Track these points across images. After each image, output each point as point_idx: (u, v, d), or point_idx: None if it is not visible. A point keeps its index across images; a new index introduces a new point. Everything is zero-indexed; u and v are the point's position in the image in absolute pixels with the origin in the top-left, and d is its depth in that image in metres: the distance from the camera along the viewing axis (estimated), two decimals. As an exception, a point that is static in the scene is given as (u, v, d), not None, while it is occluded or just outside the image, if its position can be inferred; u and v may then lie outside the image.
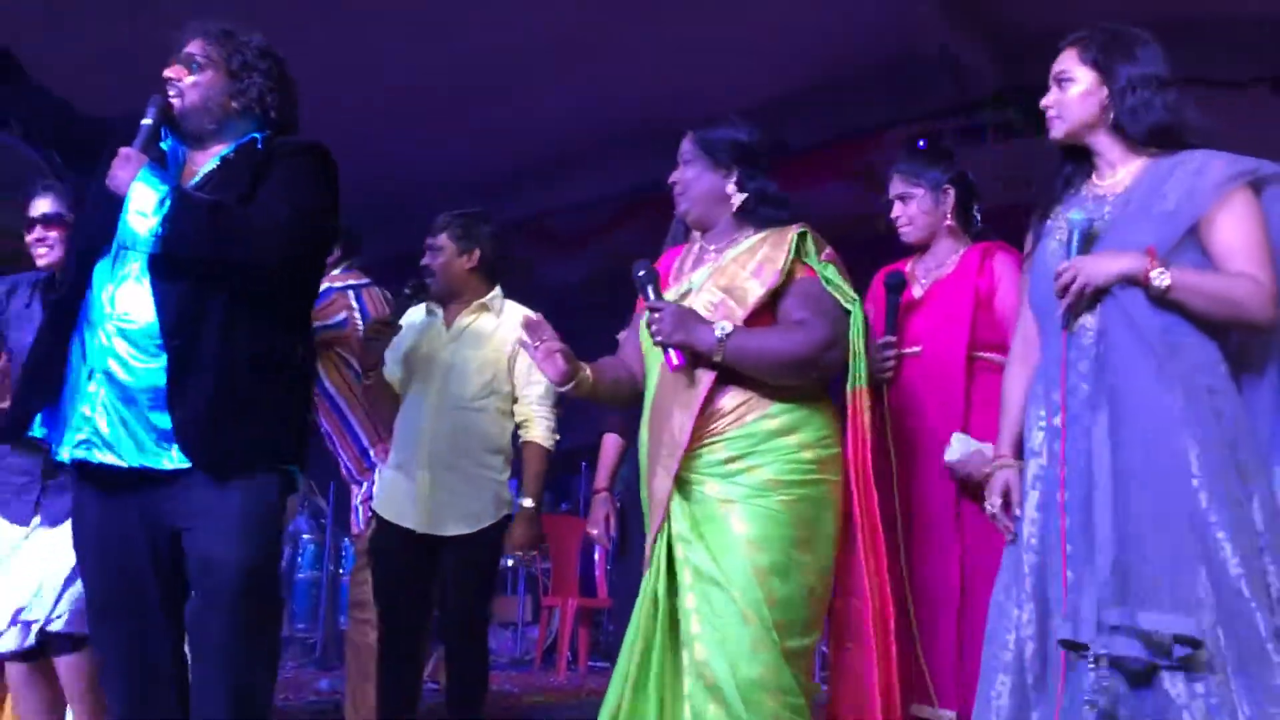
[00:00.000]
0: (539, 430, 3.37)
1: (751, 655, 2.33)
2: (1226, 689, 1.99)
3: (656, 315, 2.41)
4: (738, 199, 2.55)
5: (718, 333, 2.39)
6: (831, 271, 2.50)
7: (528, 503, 3.32)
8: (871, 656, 2.42)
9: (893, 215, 2.97)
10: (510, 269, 3.52)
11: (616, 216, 7.28)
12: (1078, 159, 2.38)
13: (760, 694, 2.32)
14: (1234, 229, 2.16)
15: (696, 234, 2.65)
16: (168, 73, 2.42)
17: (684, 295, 2.54)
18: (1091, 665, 2.07)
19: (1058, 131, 2.34)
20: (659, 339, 2.40)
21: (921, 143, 5.99)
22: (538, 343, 2.50)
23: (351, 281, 3.66)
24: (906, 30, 5.59)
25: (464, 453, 3.29)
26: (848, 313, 2.48)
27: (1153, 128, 2.24)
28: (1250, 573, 2.04)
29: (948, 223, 2.94)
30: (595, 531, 3.33)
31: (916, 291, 2.94)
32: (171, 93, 2.41)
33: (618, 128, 6.62)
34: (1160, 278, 2.13)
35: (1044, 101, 2.34)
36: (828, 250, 2.53)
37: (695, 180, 2.58)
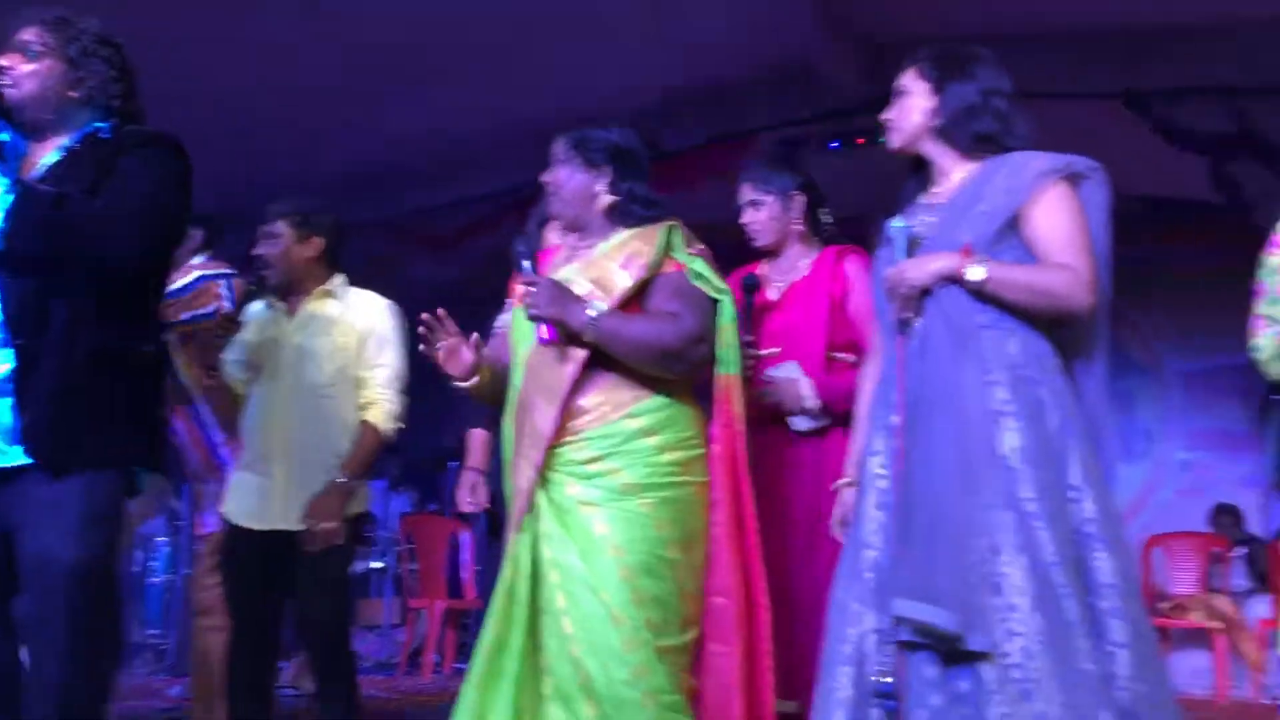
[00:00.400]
0: (377, 412, 3.20)
1: (622, 656, 2.33)
2: (1038, 673, 2.04)
3: (532, 289, 2.41)
4: (609, 199, 2.55)
5: (591, 312, 2.39)
6: (700, 264, 2.52)
7: (340, 479, 3.10)
8: (736, 656, 2.43)
9: (743, 221, 3.04)
10: (350, 258, 3.41)
11: (491, 216, 7.24)
12: (921, 169, 2.45)
13: (632, 694, 2.32)
14: (1051, 221, 2.23)
15: (570, 234, 2.66)
16: (1, 61, 2.32)
17: None
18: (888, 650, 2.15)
19: (894, 142, 2.42)
20: (533, 312, 2.40)
21: (785, 147, 6.11)
22: (442, 340, 2.47)
23: (225, 270, 3.56)
24: (779, 38, 5.67)
25: (318, 442, 3.17)
26: (716, 303, 2.50)
27: (976, 135, 2.32)
28: (1064, 560, 2.10)
29: (797, 228, 3.03)
30: (462, 494, 3.31)
31: (772, 294, 3.01)
32: (6, 82, 2.31)
33: (494, 129, 6.59)
34: (974, 272, 2.19)
35: (884, 114, 2.43)
36: (698, 245, 2.55)
37: (568, 180, 2.57)
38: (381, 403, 3.20)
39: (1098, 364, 2.31)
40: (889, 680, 2.10)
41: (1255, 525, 6.80)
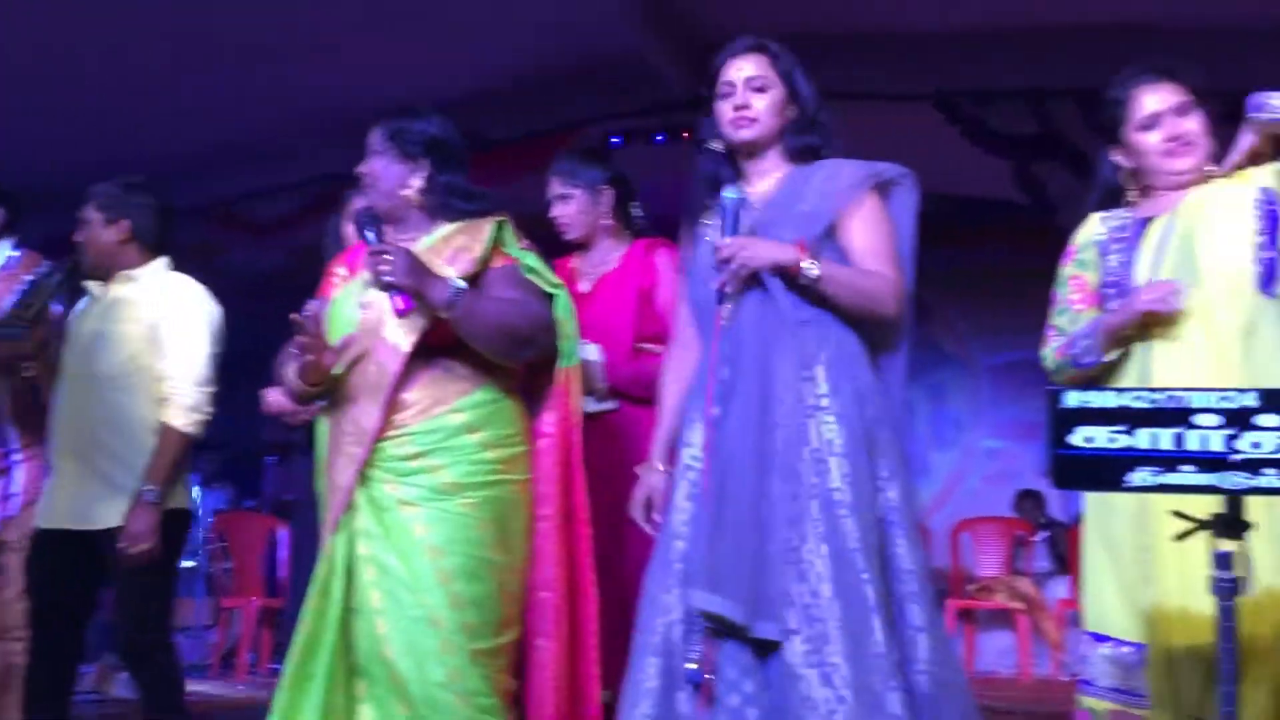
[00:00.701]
0: (173, 410, 3.00)
1: (438, 658, 2.30)
2: (836, 657, 2.12)
3: (386, 257, 2.33)
4: (425, 191, 2.50)
5: (455, 285, 2.34)
6: (533, 259, 2.51)
7: (147, 490, 2.93)
8: (561, 651, 2.43)
9: (552, 214, 3.07)
10: (173, 242, 3.26)
11: (309, 205, 7.03)
12: (728, 162, 2.45)
13: (447, 696, 2.30)
14: (866, 231, 2.34)
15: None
16: None
17: (372, 284, 2.45)
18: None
19: (751, 134, 2.39)
20: (389, 279, 2.32)
21: (618, 139, 6.13)
22: (309, 338, 2.36)
23: (45, 264, 3.36)
24: (602, 31, 5.66)
25: (111, 434, 2.99)
26: (550, 297, 2.49)
27: (808, 146, 2.40)
28: (866, 548, 2.18)
29: (606, 222, 3.07)
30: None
31: (584, 286, 3.04)
32: None
33: (318, 114, 6.39)
34: (811, 268, 2.26)
35: (739, 102, 2.39)
36: (525, 241, 2.53)
37: (384, 171, 2.51)
38: (177, 398, 3.01)
39: (900, 358, 2.43)
40: (695, 667, 2.13)
41: (1056, 510, 7.16)
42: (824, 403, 2.25)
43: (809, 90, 2.44)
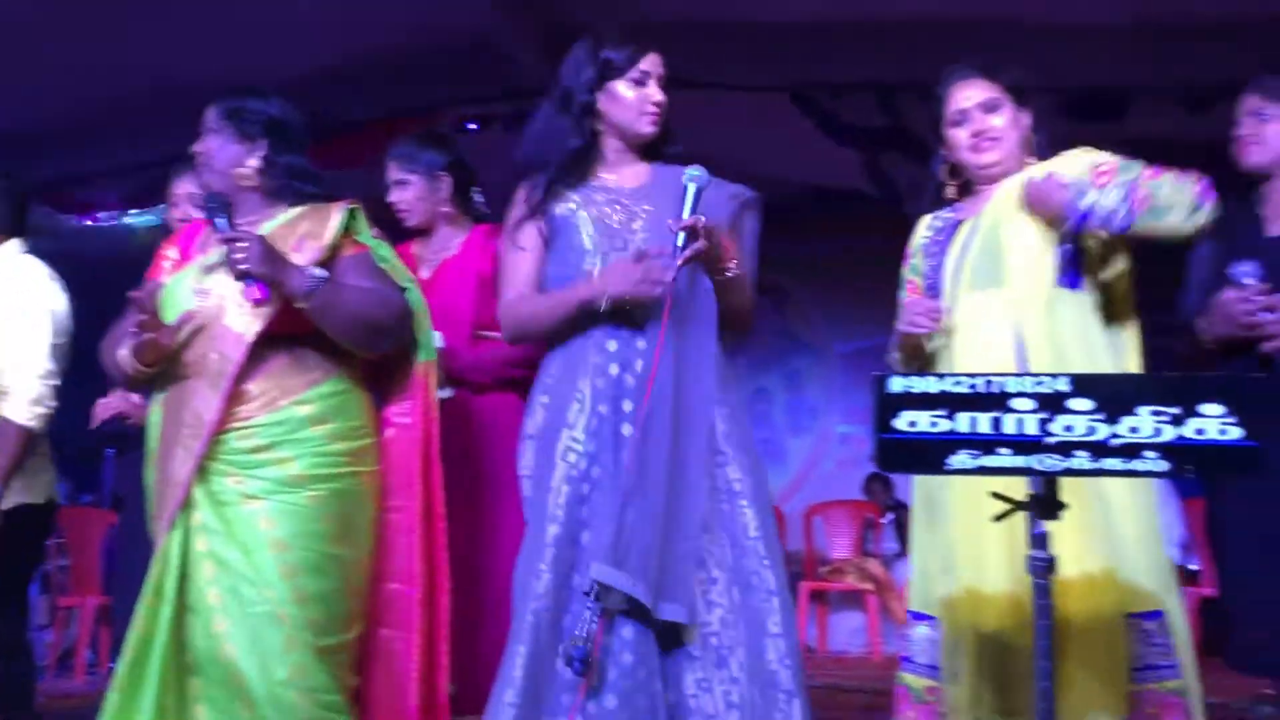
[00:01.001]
0: (13, 403, 2.90)
1: (282, 656, 2.26)
2: (732, 642, 2.19)
3: (241, 244, 2.27)
4: (262, 172, 2.44)
5: (319, 273, 2.30)
6: (386, 250, 2.50)
7: None
8: (415, 643, 2.40)
9: (390, 200, 3.01)
10: (27, 225, 3.12)
11: (147, 186, 6.78)
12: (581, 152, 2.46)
13: (291, 694, 2.26)
14: (744, 243, 2.43)
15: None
16: None
17: (210, 270, 2.39)
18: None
19: (650, 128, 2.43)
20: (244, 267, 2.25)
21: (474, 124, 6.06)
22: (146, 316, 2.30)
23: None
24: (457, 13, 5.58)
25: None
26: (403, 290, 2.46)
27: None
28: (765, 536, 2.26)
29: (445, 209, 3.02)
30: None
31: (424, 273, 2.99)
32: None
33: (154, 90, 6.15)
34: (735, 266, 2.35)
35: (655, 97, 2.44)
36: (376, 229, 2.50)
37: (219, 151, 2.44)
38: (18, 391, 2.90)
39: (741, 353, 2.54)
40: (582, 644, 2.11)
41: (903, 493, 7.36)
42: (714, 394, 2.31)
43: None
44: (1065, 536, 2.15)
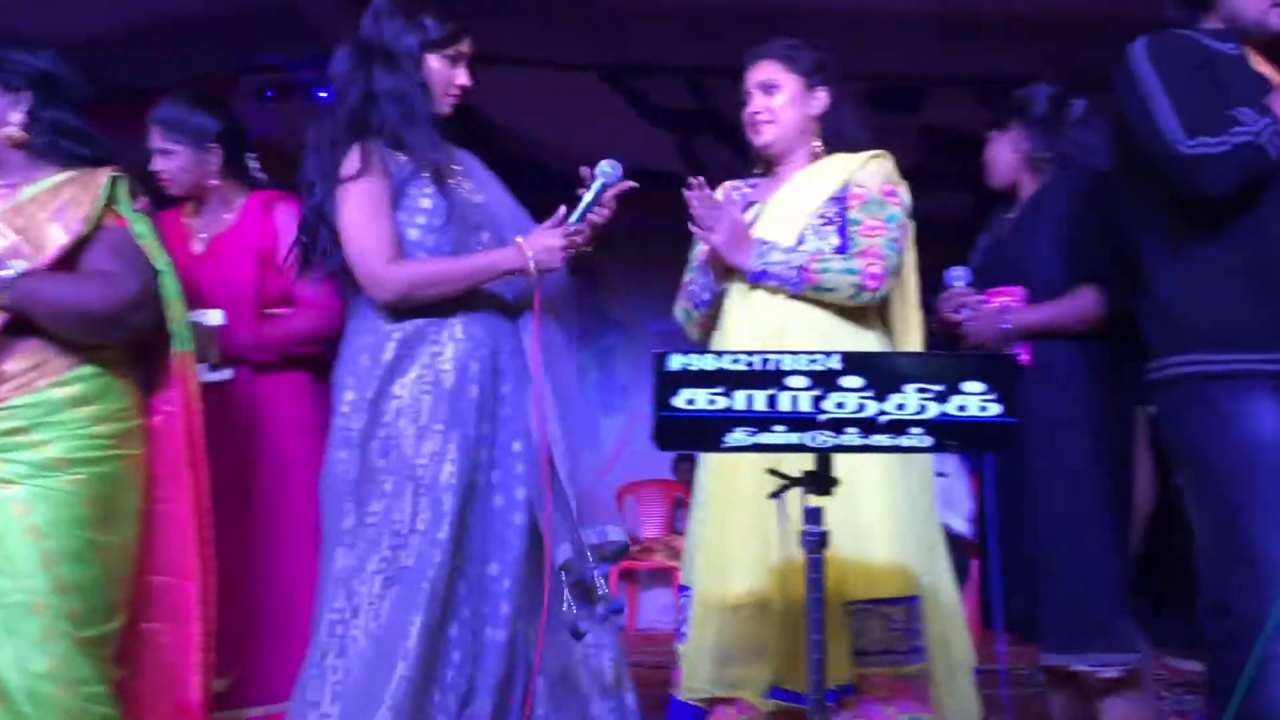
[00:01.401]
0: None
1: (40, 647, 2.15)
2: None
3: None
4: (27, 128, 2.30)
5: (7, 272, 2.16)
6: (145, 226, 2.35)
7: None
8: (194, 635, 2.32)
9: (153, 168, 2.83)
10: None
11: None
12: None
13: (50, 688, 2.15)
14: None
15: None
16: None
17: None
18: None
19: (448, 110, 2.47)
20: None
21: (269, 93, 5.84)
22: None
23: None
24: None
25: None
26: (159, 273, 2.33)
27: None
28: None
29: (215, 180, 2.85)
30: None
31: (197, 247, 2.84)
32: None
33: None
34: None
35: (463, 80, 2.47)
36: (142, 200, 2.36)
37: None
38: None
39: None
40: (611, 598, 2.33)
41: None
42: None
43: None
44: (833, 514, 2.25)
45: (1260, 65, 2.27)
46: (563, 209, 2.40)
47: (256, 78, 5.96)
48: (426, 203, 2.38)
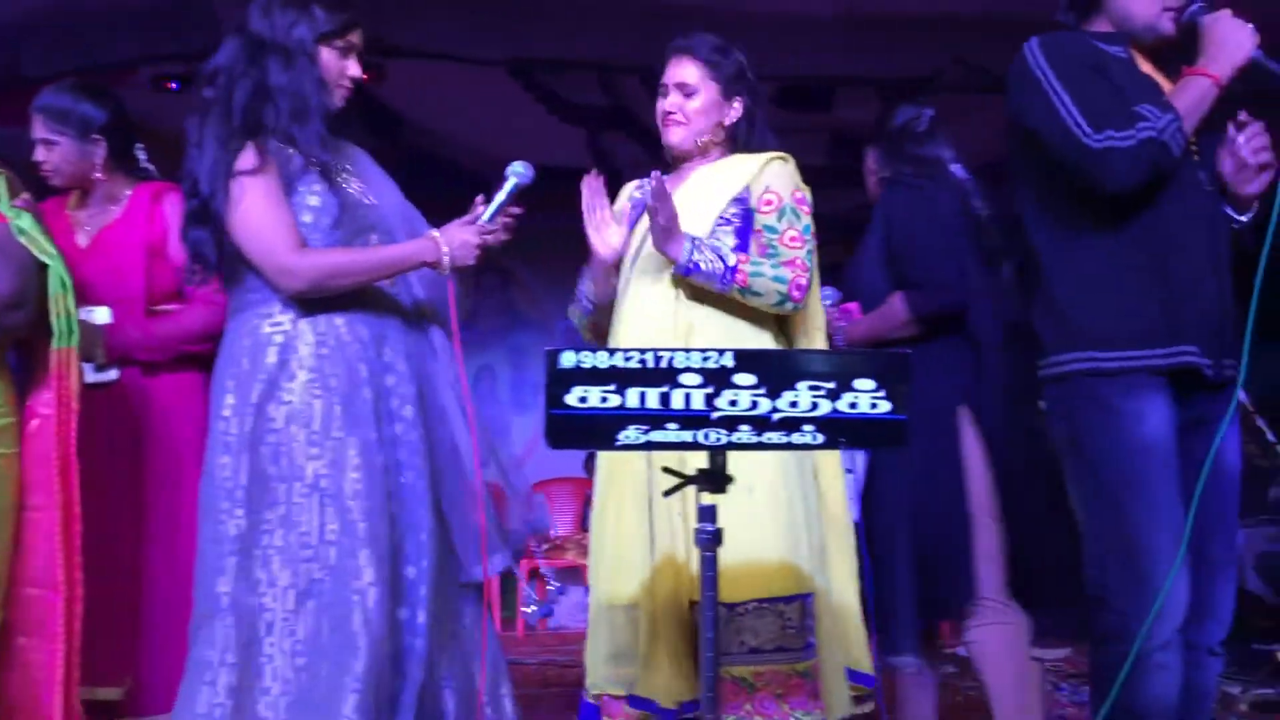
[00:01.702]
0: None
1: None
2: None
3: None
4: None
5: None
6: (28, 221, 2.27)
7: None
8: (58, 651, 2.24)
9: (35, 159, 2.74)
10: None
11: None
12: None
13: None
14: None
15: None
16: None
17: None
18: None
19: (340, 103, 2.44)
20: None
21: (173, 84, 5.70)
22: None
23: None
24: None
25: None
26: (45, 267, 2.25)
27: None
28: None
29: (100, 173, 2.77)
30: None
31: (82, 240, 2.76)
32: None
33: None
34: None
35: (354, 72, 2.44)
36: (24, 196, 2.28)
37: None
38: None
39: None
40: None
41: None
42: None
43: None
44: (690, 526, 2.27)
45: (1147, 69, 2.32)
46: (480, 202, 2.38)
47: (157, 68, 5.80)
48: (315, 200, 2.33)
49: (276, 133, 2.32)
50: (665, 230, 2.40)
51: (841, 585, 2.47)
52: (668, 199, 2.39)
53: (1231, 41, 2.22)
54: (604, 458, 2.49)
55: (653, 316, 2.47)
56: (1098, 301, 2.24)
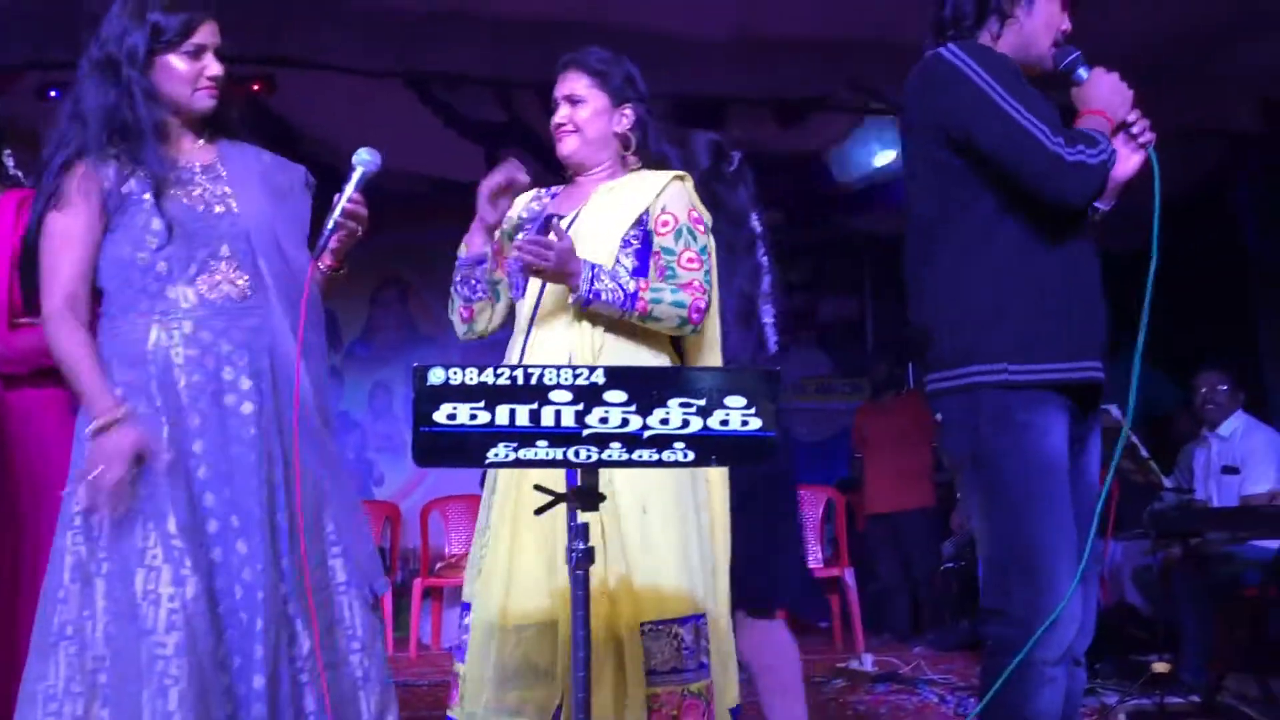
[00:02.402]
0: None
1: None
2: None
3: None
4: None
5: None
6: None
7: None
8: None
9: None
10: None
11: None
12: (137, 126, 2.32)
13: None
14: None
15: None
16: None
17: None
18: None
19: (207, 102, 2.36)
20: None
21: (53, 92, 5.54)
22: None
23: None
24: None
25: None
26: None
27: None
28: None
29: None
30: None
31: None
32: None
33: None
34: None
35: (212, 71, 2.34)
36: None
37: None
38: None
39: None
40: None
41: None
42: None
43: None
44: (604, 544, 2.26)
45: None
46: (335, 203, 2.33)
47: (39, 76, 5.63)
48: (142, 220, 2.26)
49: (101, 153, 2.25)
50: (561, 262, 2.38)
51: (724, 608, 2.48)
52: (550, 246, 2.38)
53: (1119, 98, 2.29)
54: (493, 476, 2.47)
55: (564, 339, 2.46)
56: (1006, 315, 2.22)
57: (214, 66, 2.33)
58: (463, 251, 2.63)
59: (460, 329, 2.70)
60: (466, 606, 2.49)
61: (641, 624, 2.31)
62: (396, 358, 7.84)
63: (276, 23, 5.50)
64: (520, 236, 2.56)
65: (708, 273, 2.51)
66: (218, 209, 2.31)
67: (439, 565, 6.70)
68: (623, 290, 2.41)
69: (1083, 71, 2.35)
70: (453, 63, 5.93)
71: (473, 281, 2.61)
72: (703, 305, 2.47)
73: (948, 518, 6.74)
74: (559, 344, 2.47)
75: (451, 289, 2.68)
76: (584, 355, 2.44)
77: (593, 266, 2.42)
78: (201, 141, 2.39)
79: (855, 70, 5.96)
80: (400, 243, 7.65)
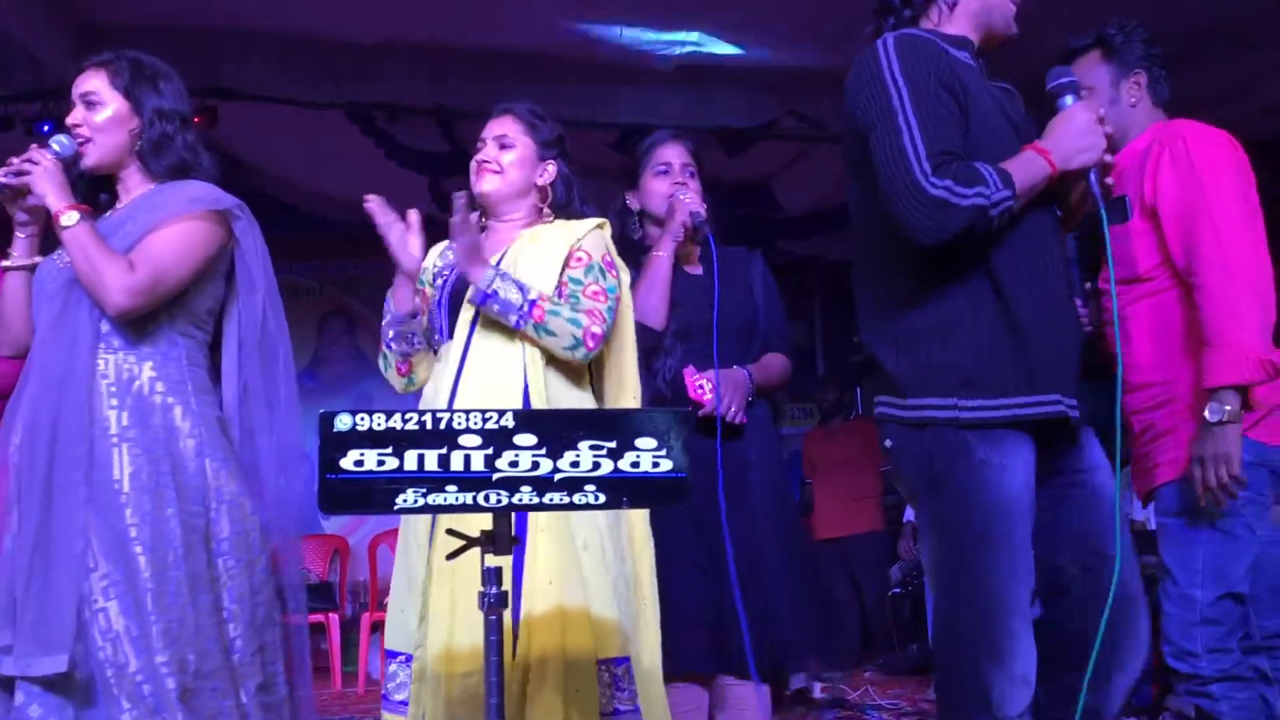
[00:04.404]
0: None
1: None
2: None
3: None
4: None
5: None
6: None
7: None
8: None
9: None
10: None
11: None
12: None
13: None
14: (161, 235, 2.33)
15: None
16: None
17: None
18: None
19: (90, 160, 2.38)
20: None
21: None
22: None
23: None
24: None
25: None
26: None
27: (171, 166, 2.41)
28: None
29: None
30: None
31: None
32: None
33: None
34: None
35: (70, 119, 2.37)
36: None
37: None
38: None
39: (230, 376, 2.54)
40: None
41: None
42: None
43: (160, 102, 2.41)
44: (541, 580, 2.24)
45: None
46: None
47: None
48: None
49: None
50: (468, 252, 2.39)
51: (650, 655, 2.46)
52: (469, 224, 2.41)
53: (1082, 143, 2.11)
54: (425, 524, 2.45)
55: (496, 379, 2.45)
56: (954, 340, 2.08)
57: (69, 116, 2.39)
58: (390, 308, 2.60)
59: (398, 384, 2.67)
60: (392, 653, 2.45)
61: (598, 660, 2.30)
62: (345, 388, 7.77)
63: (218, 55, 5.47)
64: (437, 284, 2.58)
65: (610, 309, 2.50)
66: (60, 261, 2.38)
67: (387, 599, 6.61)
68: (523, 295, 2.42)
69: (1067, 99, 2.17)
70: (394, 93, 5.93)
71: (410, 336, 2.58)
72: (599, 332, 2.47)
73: (896, 542, 6.76)
74: (491, 384, 2.45)
75: (384, 347, 2.65)
76: (513, 396, 2.42)
77: (497, 267, 2.44)
78: (144, 187, 2.47)
79: (797, 101, 6.01)
80: (346, 273, 7.62)
